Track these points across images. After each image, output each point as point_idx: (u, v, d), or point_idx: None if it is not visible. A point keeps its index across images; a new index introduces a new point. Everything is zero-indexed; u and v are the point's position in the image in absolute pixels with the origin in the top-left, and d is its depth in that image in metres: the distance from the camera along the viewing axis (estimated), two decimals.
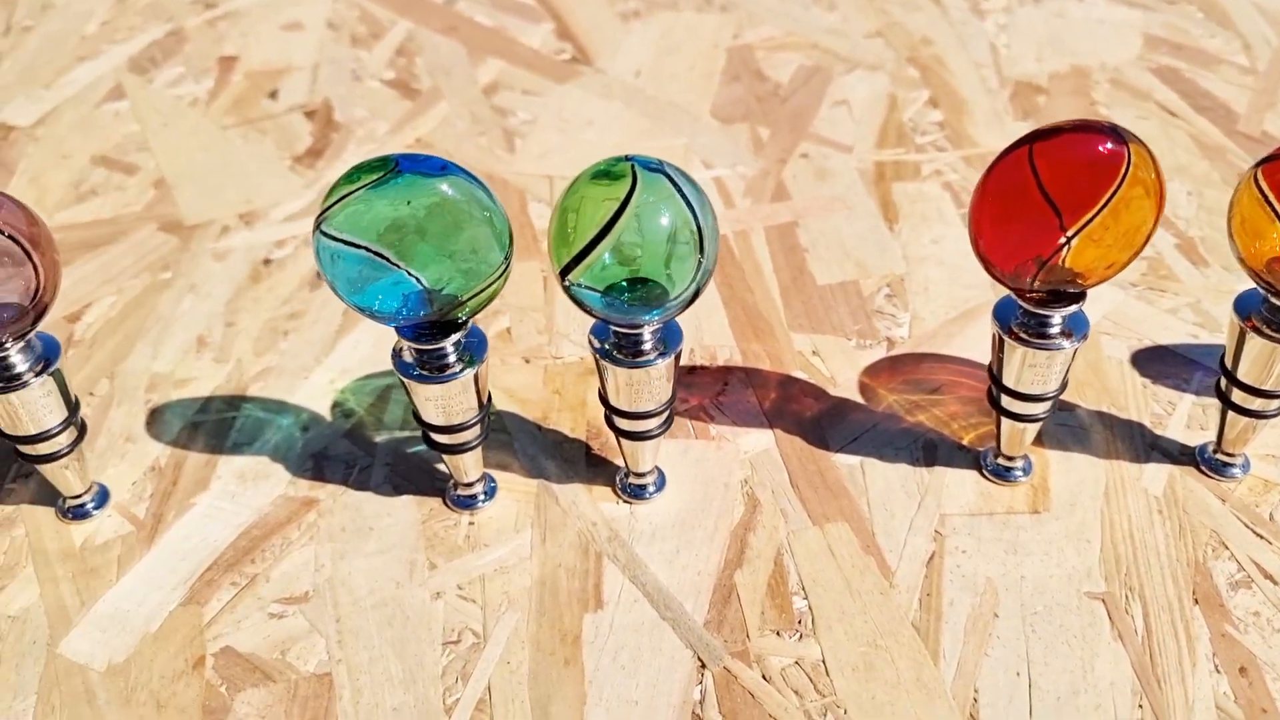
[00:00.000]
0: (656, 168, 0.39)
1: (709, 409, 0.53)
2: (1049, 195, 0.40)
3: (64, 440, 0.46)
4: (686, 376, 0.54)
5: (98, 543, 0.48)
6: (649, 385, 0.44)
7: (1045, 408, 0.46)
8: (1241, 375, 0.45)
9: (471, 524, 0.48)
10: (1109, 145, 0.39)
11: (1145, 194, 0.39)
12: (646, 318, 0.41)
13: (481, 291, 0.41)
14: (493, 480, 0.49)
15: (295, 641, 0.43)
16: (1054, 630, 0.42)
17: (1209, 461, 0.48)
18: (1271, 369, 0.44)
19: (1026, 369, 0.44)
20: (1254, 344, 0.44)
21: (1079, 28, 0.82)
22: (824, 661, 0.42)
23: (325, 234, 0.39)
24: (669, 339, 0.43)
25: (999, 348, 0.45)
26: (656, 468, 0.49)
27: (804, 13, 0.86)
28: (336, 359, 0.56)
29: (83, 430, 0.47)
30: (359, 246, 0.39)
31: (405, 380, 0.43)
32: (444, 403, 0.44)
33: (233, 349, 0.57)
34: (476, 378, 0.43)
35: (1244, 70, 0.76)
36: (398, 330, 0.43)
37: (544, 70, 0.80)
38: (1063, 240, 0.41)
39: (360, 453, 0.51)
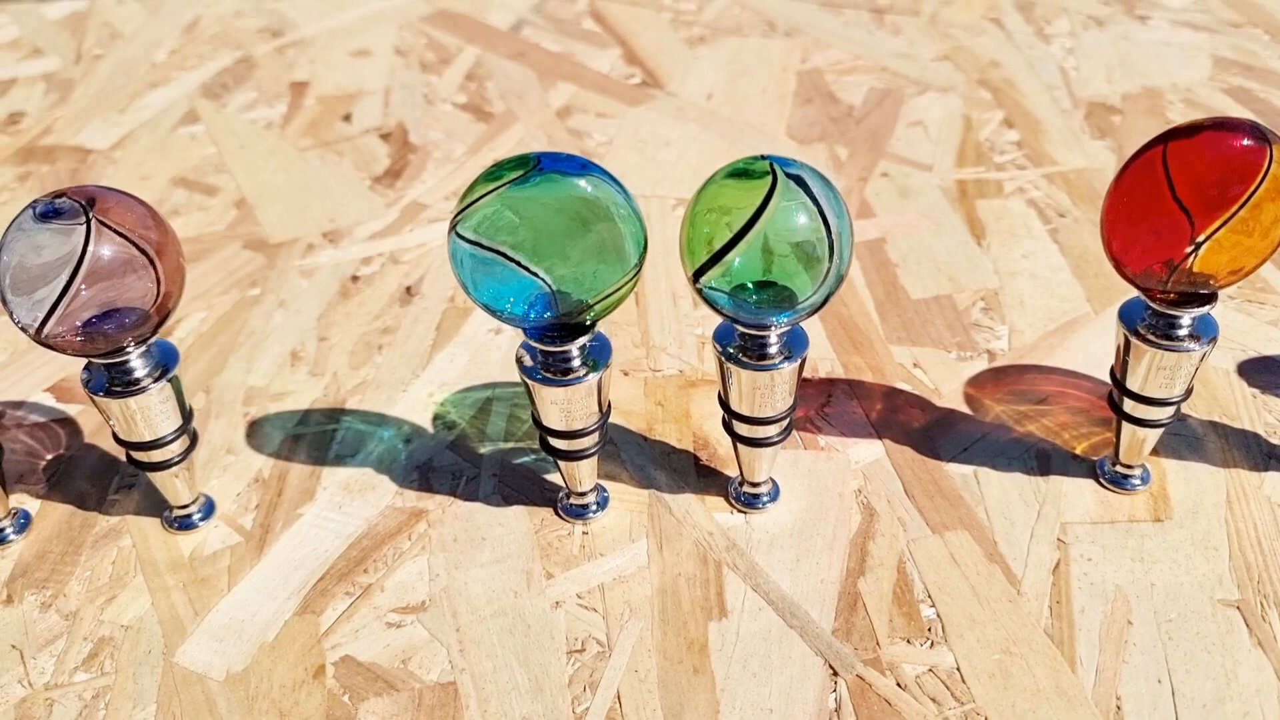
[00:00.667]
0: (795, 170, 0.39)
1: (815, 420, 0.52)
2: (1180, 199, 0.40)
3: (176, 449, 0.46)
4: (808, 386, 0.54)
5: (206, 553, 0.47)
6: (772, 390, 0.43)
7: (1169, 413, 0.45)
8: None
9: (585, 533, 0.47)
10: (1247, 143, 0.39)
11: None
12: (775, 320, 0.41)
13: (611, 294, 0.40)
14: (604, 490, 0.48)
15: (416, 651, 0.43)
16: (1191, 637, 0.41)
17: (1108, 474, 0.48)
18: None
19: (1155, 372, 0.43)
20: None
21: (1146, 50, 0.82)
22: (959, 669, 0.41)
23: (460, 235, 0.39)
24: (794, 344, 0.43)
25: (1124, 350, 0.44)
26: (770, 478, 0.48)
27: (869, 37, 0.86)
28: (434, 372, 0.56)
29: (194, 440, 0.47)
30: (491, 249, 0.39)
31: (529, 382, 0.43)
32: (567, 407, 0.43)
33: (327, 363, 0.57)
34: (600, 383, 0.43)
35: None
36: (525, 332, 0.42)
37: (616, 94, 0.81)
38: (1190, 248, 0.40)
39: (466, 464, 0.51)
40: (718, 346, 0.43)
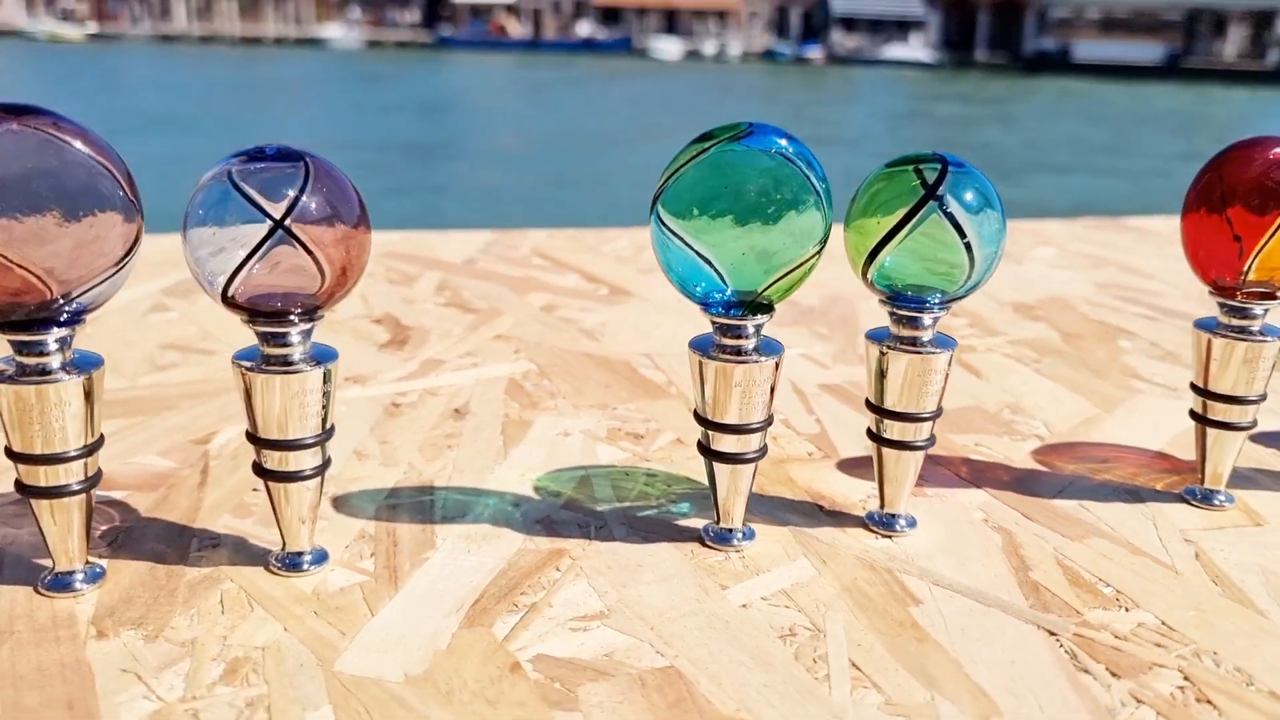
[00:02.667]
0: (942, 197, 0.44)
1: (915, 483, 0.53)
2: (1230, 220, 0.48)
3: (315, 459, 0.42)
4: (866, 464, 0.55)
5: (333, 589, 0.42)
6: (931, 379, 0.45)
7: (1251, 415, 0.50)
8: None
9: (741, 555, 0.45)
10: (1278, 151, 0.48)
11: None
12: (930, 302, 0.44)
13: (791, 272, 0.43)
14: (749, 526, 0.47)
15: (614, 647, 0.38)
16: None
17: (1198, 495, 0.53)
18: None
19: (1239, 367, 0.49)
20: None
21: (1037, 275, 0.96)
22: (1163, 622, 0.41)
23: (658, 217, 0.42)
24: (944, 341, 0.46)
25: (1206, 356, 0.50)
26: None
27: None
28: (516, 460, 0.54)
29: (327, 462, 0.43)
30: (675, 235, 0.42)
31: (701, 359, 0.43)
32: (745, 391, 0.43)
33: (397, 457, 0.54)
34: (776, 368, 0.44)
35: None
36: (704, 308, 0.43)
37: (592, 298, 0.86)
38: (1245, 267, 0.48)
39: (590, 518, 0.48)
40: (873, 343, 0.46)
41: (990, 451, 0.57)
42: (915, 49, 39.05)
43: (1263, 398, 0.50)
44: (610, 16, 43.97)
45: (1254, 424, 0.51)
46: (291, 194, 0.38)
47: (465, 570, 0.43)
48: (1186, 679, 0.38)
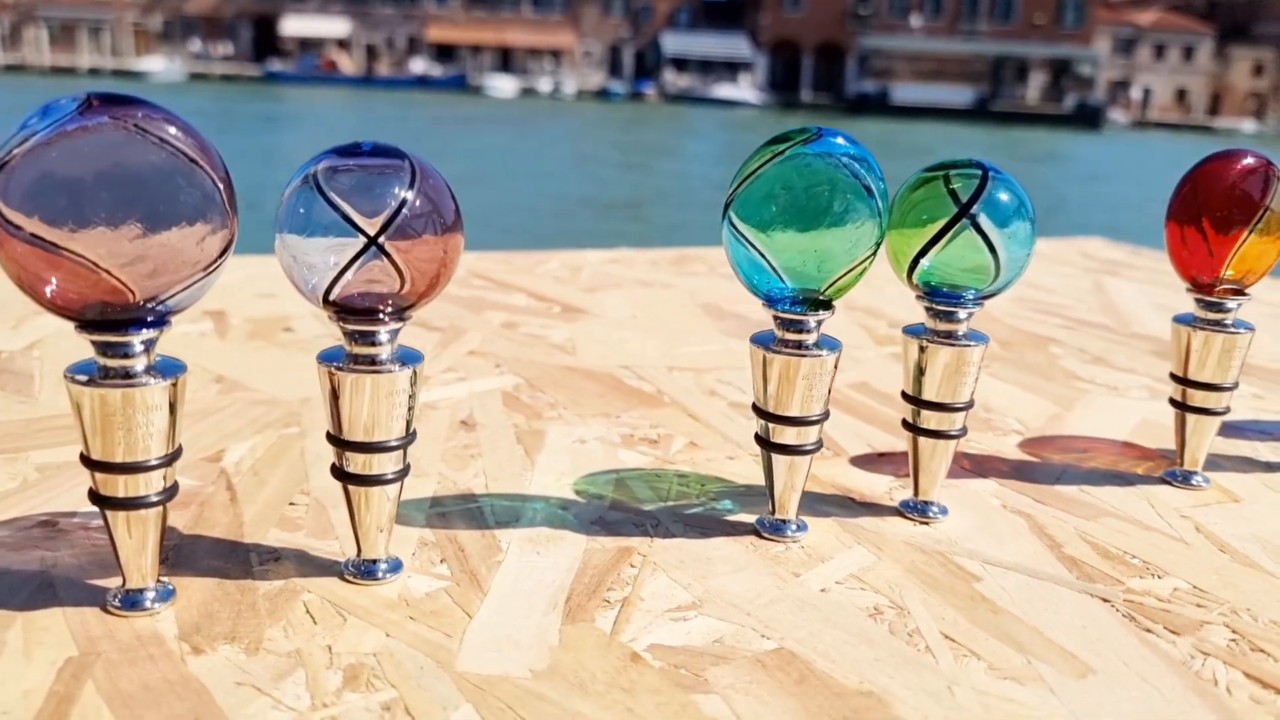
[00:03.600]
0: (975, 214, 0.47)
1: None
2: (1203, 228, 0.53)
3: (398, 461, 0.41)
4: (887, 461, 0.58)
5: (419, 594, 0.41)
6: (966, 370, 0.48)
7: (1225, 400, 0.55)
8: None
9: (800, 545, 0.47)
10: (1249, 162, 0.53)
11: None
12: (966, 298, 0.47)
13: (848, 273, 0.45)
14: (801, 519, 0.49)
15: (720, 634, 0.39)
16: None
17: (1179, 476, 0.59)
18: None
19: (1215, 357, 0.54)
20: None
21: None
22: (1195, 586, 0.45)
23: (728, 219, 0.44)
24: (977, 335, 0.49)
25: (1186, 348, 0.55)
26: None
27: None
28: (545, 467, 0.54)
29: (406, 468, 0.42)
30: (744, 238, 0.44)
31: (765, 354, 0.45)
32: (809, 384, 0.45)
33: (425, 468, 0.53)
34: (836, 365, 0.46)
35: None
36: (767, 303, 0.45)
37: (549, 316, 0.86)
38: (1221, 267, 0.53)
39: (643, 517, 0.49)
40: (911, 339, 0.48)
41: (982, 446, 0.61)
42: (744, 90, 40.40)
43: (1235, 385, 0.55)
44: (445, 54, 43.75)
45: (1228, 409, 0.56)
46: (392, 206, 0.37)
47: (542, 570, 0.43)
48: (1235, 633, 0.41)
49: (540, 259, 1.10)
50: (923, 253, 0.47)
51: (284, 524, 0.46)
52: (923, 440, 0.50)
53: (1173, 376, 0.56)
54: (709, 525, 0.48)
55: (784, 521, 0.48)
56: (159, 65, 37.63)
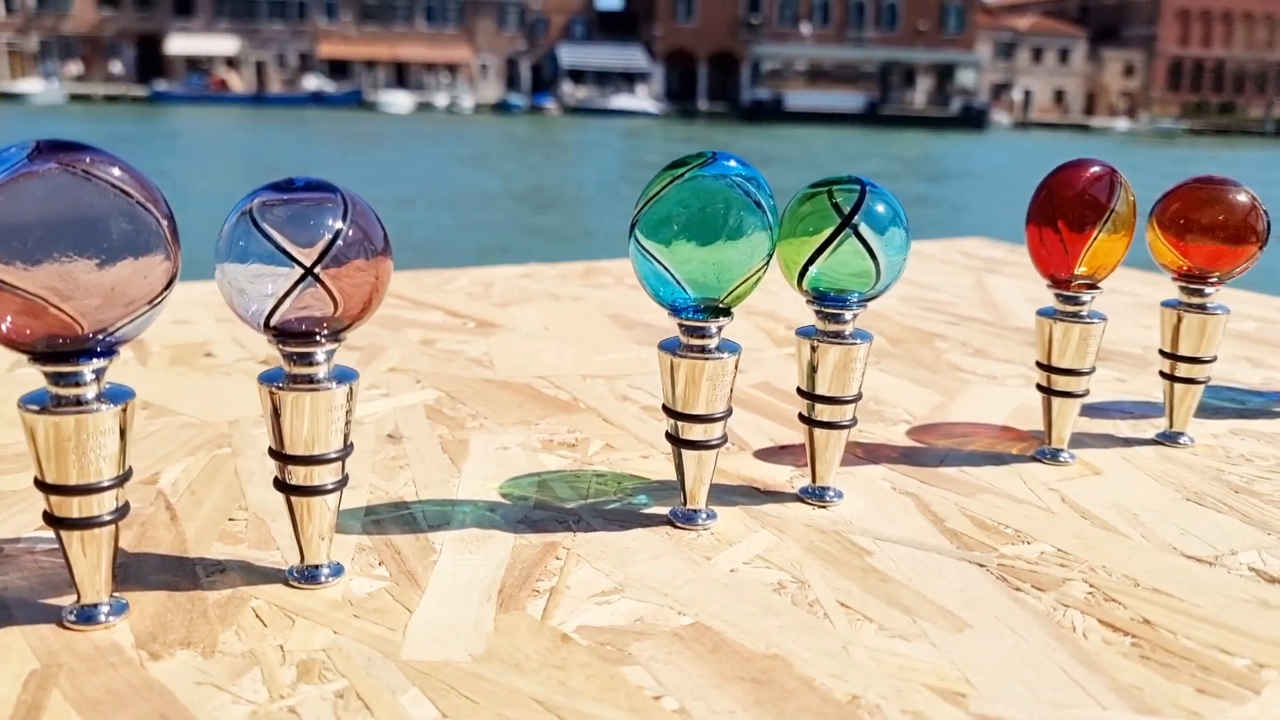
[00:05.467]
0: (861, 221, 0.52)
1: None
2: (1059, 229, 0.59)
3: (336, 473, 0.44)
4: (787, 453, 0.63)
5: (361, 594, 0.44)
6: (853, 366, 0.53)
7: (1084, 384, 0.61)
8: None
9: (710, 532, 0.51)
10: (1097, 170, 0.59)
11: (1130, 212, 0.59)
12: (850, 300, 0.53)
13: (744, 283, 0.49)
14: (712, 509, 0.53)
15: (641, 615, 0.43)
16: (1164, 508, 0.55)
17: (1047, 454, 0.66)
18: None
19: (1075, 344, 0.60)
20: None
21: None
22: (1059, 549, 0.51)
23: (635, 237, 0.48)
24: (862, 334, 0.54)
25: (1049, 339, 0.61)
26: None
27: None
28: (471, 473, 0.58)
29: (345, 479, 0.45)
30: (649, 254, 0.48)
31: (672, 359, 0.49)
32: (713, 384, 0.50)
33: (358, 480, 0.56)
34: (736, 367, 0.50)
35: None
36: (672, 312, 0.49)
37: (464, 331, 0.89)
38: (1075, 265, 0.59)
39: (566, 515, 0.53)
40: (803, 340, 0.53)
41: (873, 435, 0.66)
42: (642, 99, 40.75)
43: (1093, 370, 0.62)
44: (338, 70, 43.12)
45: (1087, 392, 0.62)
46: (326, 238, 0.41)
47: (475, 567, 0.47)
48: (1092, 587, 0.47)
49: (451, 276, 1.13)
50: (810, 261, 0.52)
51: (226, 538, 0.49)
52: (818, 431, 0.55)
53: (1038, 364, 0.62)
54: (627, 519, 0.53)
55: (695, 511, 0.52)
56: (37, 87, 36.25)
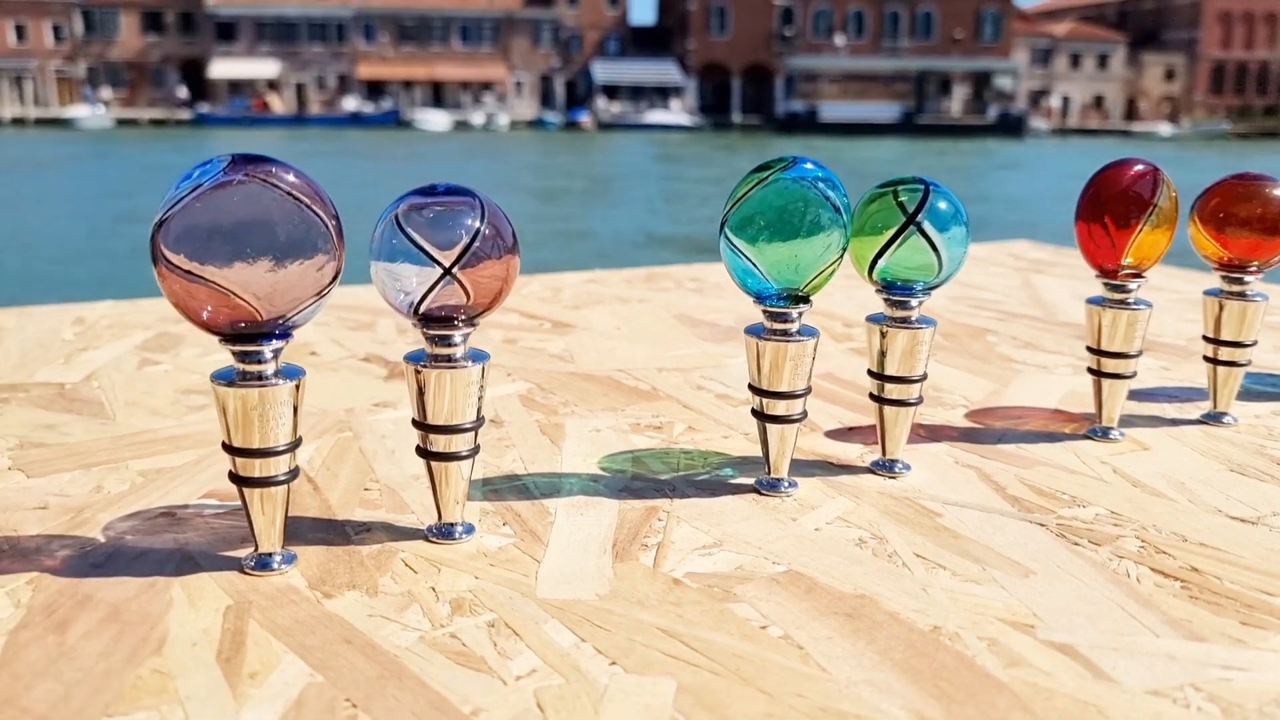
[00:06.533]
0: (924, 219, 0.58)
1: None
2: (1106, 224, 0.65)
3: (470, 442, 0.50)
4: (856, 434, 0.69)
5: (493, 549, 0.50)
6: (919, 349, 0.59)
7: (1132, 366, 0.66)
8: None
9: (793, 499, 0.57)
10: (1140, 168, 0.65)
11: (1173, 207, 0.64)
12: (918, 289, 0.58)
13: (822, 274, 0.55)
14: (793, 479, 0.59)
15: (740, 563, 0.49)
16: (1214, 478, 0.60)
17: (1098, 431, 0.71)
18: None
19: (1123, 329, 0.65)
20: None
21: None
22: (1112, 511, 0.56)
23: (725, 235, 0.54)
24: (926, 320, 0.60)
25: (1098, 324, 0.66)
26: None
27: (706, 300, 1.10)
28: (571, 451, 0.64)
29: (477, 449, 0.51)
30: (737, 249, 0.54)
31: (757, 341, 0.55)
32: (795, 364, 0.55)
33: None
34: (815, 349, 0.56)
35: None
36: (757, 300, 0.55)
37: (540, 331, 0.96)
38: (1122, 255, 0.64)
39: (661, 485, 0.59)
40: (872, 325, 0.59)
41: (934, 418, 0.72)
42: (676, 114, 40.92)
43: (1140, 353, 0.67)
44: (376, 90, 43.71)
45: (1135, 374, 0.67)
46: (465, 240, 0.47)
47: (588, 526, 0.53)
48: (1144, 542, 0.52)
49: (523, 282, 1.19)
50: (879, 255, 0.58)
51: (365, 505, 0.55)
52: (887, 409, 0.60)
53: (1089, 349, 0.67)
54: (717, 488, 0.58)
55: (779, 480, 0.58)
56: (85, 112, 37.09)
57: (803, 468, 0.61)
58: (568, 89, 44.65)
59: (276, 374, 0.46)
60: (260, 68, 41.85)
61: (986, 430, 0.69)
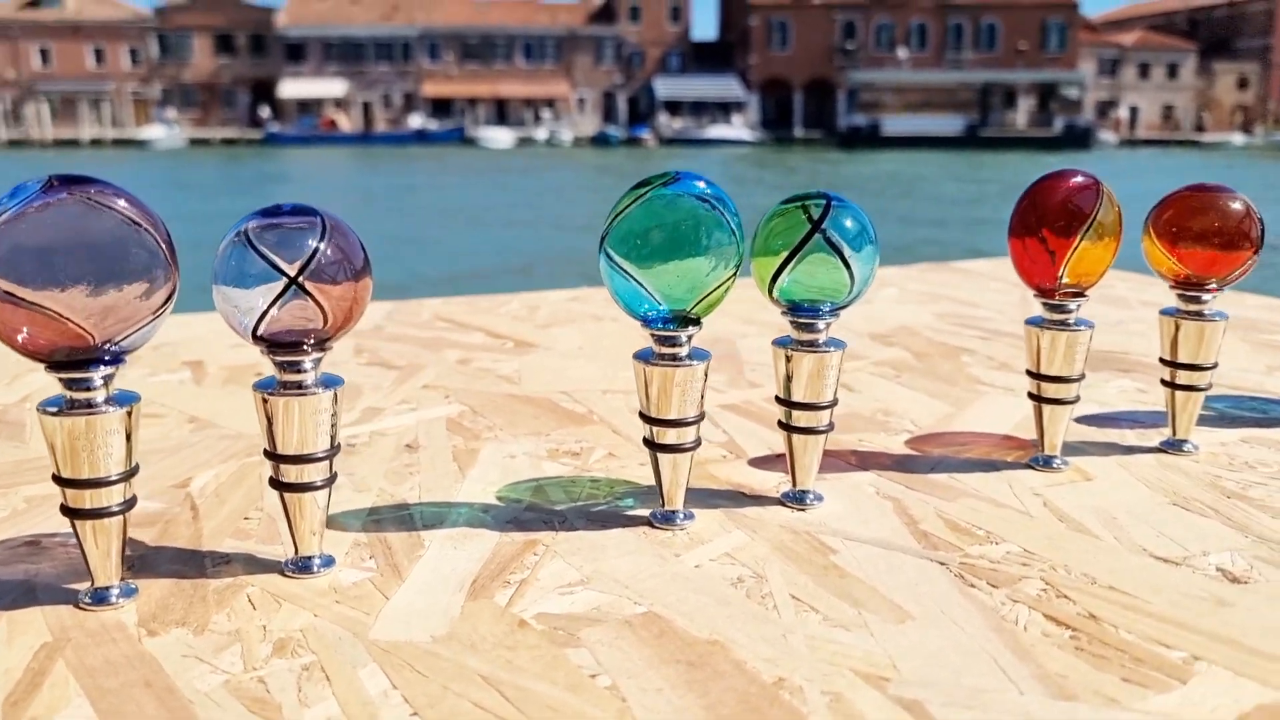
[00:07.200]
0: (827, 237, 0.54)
1: None
2: (1042, 239, 0.61)
3: (324, 471, 0.48)
4: (782, 460, 0.65)
5: (346, 583, 0.48)
6: (827, 373, 0.55)
7: (1074, 390, 0.62)
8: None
9: (685, 532, 0.54)
10: (1080, 180, 0.61)
11: (1113, 214, 0.60)
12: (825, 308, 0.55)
13: (712, 293, 0.52)
14: (689, 510, 0.56)
15: (600, 603, 0.46)
16: (1148, 511, 0.55)
17: (1040, 460, 0.66)
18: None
19: (1063, 350, 0.61)
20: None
21: (883, 308, 1.10)
22: (1025, 549, 0.52)
23: (605, 253, 0.51)
24: (835, 342, 0.56)
25: (1037, 347, 0.62)
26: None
27: None
28: (475, 478, 0.61)
29: (333, 477, 0.49)
30: (618, 266, 0.51)
31: (646, 368, 0.52)
32: (684, 390, 0.52)
33: (368, 485, 0.60)
34: (706, 373, 0.53)
35: None
36: (644, 323, 0.52)
37: (502, 351, 0.94)
38: (1059, 274, 0.60)
39: (554, 516, 0.56)
40: (779, 350, 0.56)
41: (872, 444, 0.68)
42: (738, 129, 40.86)
43: (1082, 376, 0.62)
44: (441, 108, 44.37)
45: (1077, 399, 0.63)
46: (307, 251, 0.45)
47: (458, 561, 0.50)
48: (1047, 584, 0.48)
49: (502, 301, 1.18)
50: (782, 268, 0.54)
51: (238, 535, 0.54)
52: (795, 437, 0.57)
53: (1028, 373, 0.63)
54: (610, 519, 0.56)
55: (673, 512, 0.55)
56: (159, 133, 38.19)
57: (710, 498, 0.58)
58: (630, 105, 44.86)
59: (108, 401, 0.45)
60: (328, 87, 42.73)
61: (923, 458, 0.65)
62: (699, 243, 0.51)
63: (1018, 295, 1.20)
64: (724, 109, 43.68)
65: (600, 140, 40.13)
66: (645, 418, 0.54)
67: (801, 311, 0.55)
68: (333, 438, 0.48)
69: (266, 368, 0.86)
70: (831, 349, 0.56)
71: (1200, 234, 0.64)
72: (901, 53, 41.16)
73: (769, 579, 0.48)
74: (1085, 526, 0.55)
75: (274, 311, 0.45)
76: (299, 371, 0.47)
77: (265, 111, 41.80)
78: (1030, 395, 0.63)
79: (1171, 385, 0.66)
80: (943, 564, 0.50)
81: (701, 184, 0.52)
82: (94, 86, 41.38)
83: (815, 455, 0.57)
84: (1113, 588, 0.48)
